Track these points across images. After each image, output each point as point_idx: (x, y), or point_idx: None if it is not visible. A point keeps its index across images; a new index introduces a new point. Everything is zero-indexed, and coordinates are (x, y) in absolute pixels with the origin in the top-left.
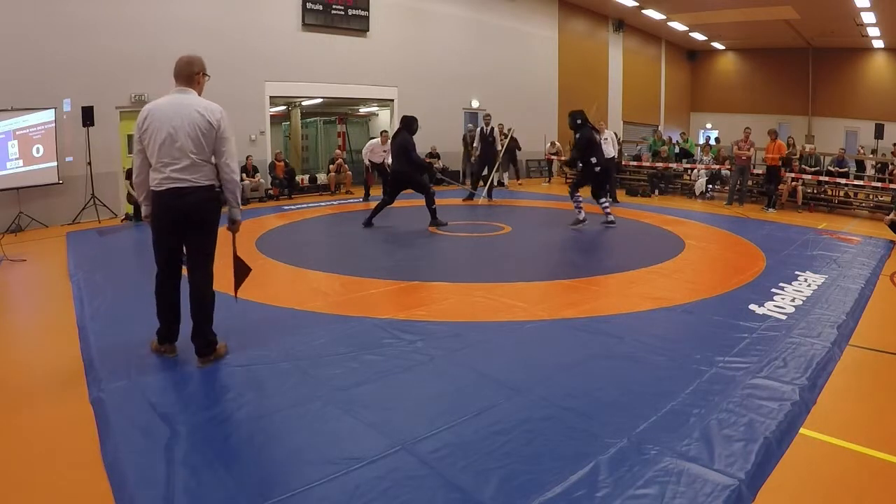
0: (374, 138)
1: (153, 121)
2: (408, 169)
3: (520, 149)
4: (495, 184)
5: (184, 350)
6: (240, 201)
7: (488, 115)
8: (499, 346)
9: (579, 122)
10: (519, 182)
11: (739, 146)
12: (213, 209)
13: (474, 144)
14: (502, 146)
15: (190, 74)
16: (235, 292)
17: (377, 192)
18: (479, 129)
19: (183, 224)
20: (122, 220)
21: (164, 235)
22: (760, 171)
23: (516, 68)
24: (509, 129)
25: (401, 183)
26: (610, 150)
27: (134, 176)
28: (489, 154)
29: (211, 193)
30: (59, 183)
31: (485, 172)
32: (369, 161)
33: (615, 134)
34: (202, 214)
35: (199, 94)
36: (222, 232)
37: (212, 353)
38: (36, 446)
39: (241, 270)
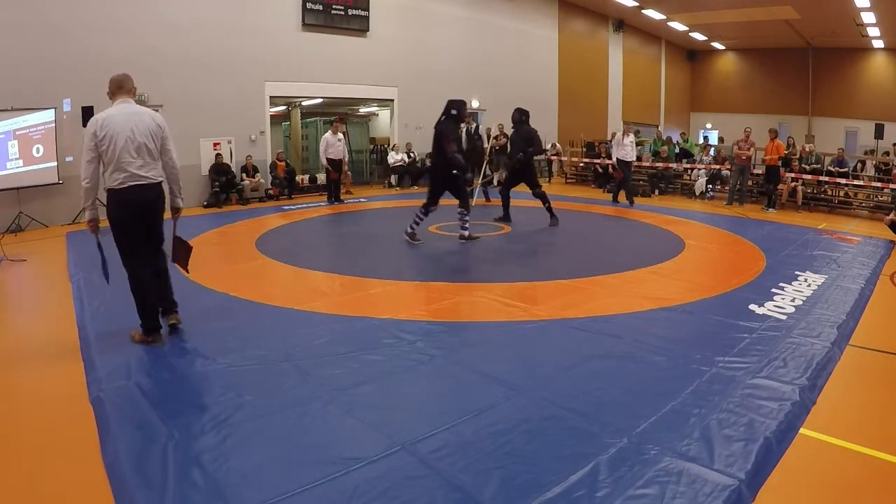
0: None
1: (111, 127)
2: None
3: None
4: (494, 184)
5: (185, 350)
6: (179, 187)
7: (472, 113)
8: (499, 346)
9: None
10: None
11: (740, 146)
12: (163, 201)
13: (462, 146)
14: (498, 146)
15: (131, 88)
16: (186, 270)
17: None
18: (464, 129)
19: (143, 215)
20: None
21: (131, 228)
22: (760, 172)
23: (516, 68)
24: (500, 127)
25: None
26: (631, 153)
27: (86, 182)
28: (475, 153)
29: (161, 188)
30: (59, 183)
31: (487, 173)
32: (328, 158)
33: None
34: (158, 206)
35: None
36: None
37: (173, 322)
38: (36, 447)
39: (183, 249)
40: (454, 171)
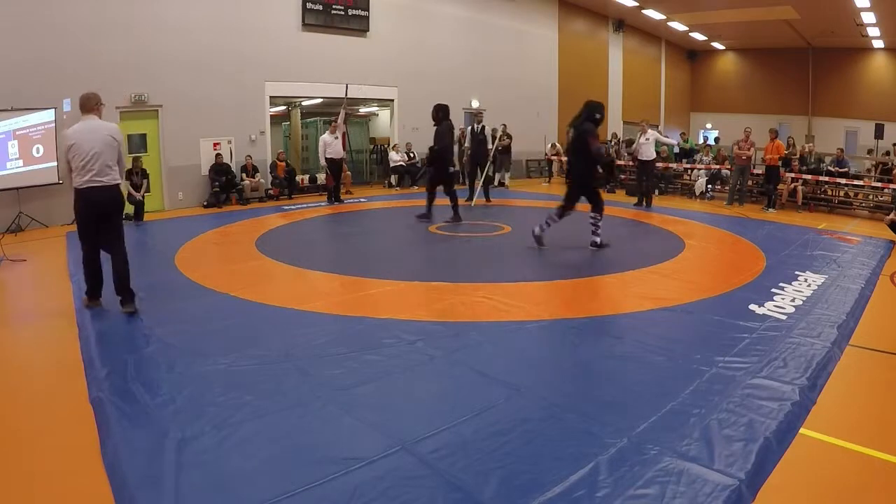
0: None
1: (76, 140)
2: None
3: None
4: (495, 184)
5: (185, 350)
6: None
7: (479, 113)
8: (499, 346)
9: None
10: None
11: (740, 146)
12: (119, 201)
13: (465, 144)
14: (501, 146)
15: (91, 107)
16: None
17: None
18: (469, 127)
19: (99, 211)
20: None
21: (86, 219)
22: (760, 172)
23: (516, 68)
24: (503, 127)
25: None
26: (651, 151)
27: (60, 177)
28: (480, 153)
29: (116, 190)
30: (59, 183)
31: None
32: (327, 158)
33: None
34: (112, 205)
35: (100, 118)
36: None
37: (133, 301)
38: (36, 447)
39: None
40: (605, 168)
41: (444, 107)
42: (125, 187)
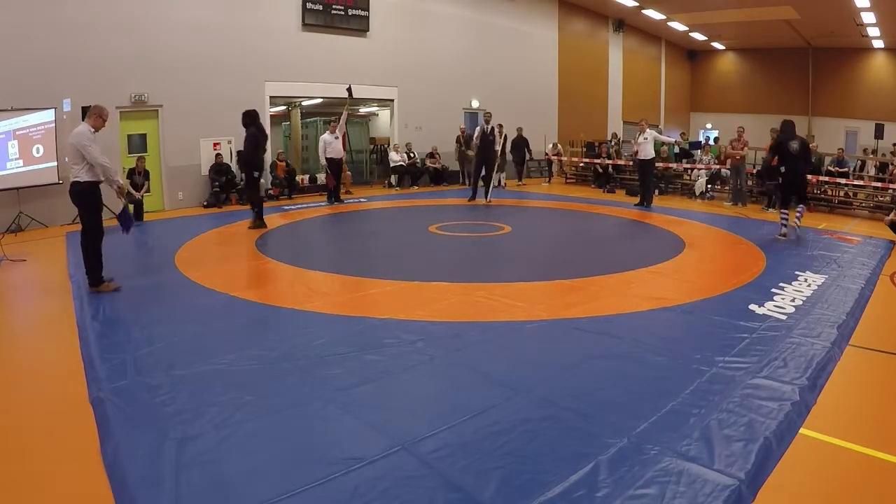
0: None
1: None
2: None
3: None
4: (495, 185)
5: (185, 350)
6: (110, 177)
7: (489, 113)
8: (499, 346)
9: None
10: (520, 183)
11: (733, 146)
12: (80, 195)
13: (474, 142)
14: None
15: (88, 116)
16: (129, 231)
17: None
18: (478, 127)
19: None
20: None
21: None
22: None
23: (516, 68)
24: (499, 127)
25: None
26: (650, 150)
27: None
28: (489, 154)
29: (77, 186)
30: (58, 183)
31: (484, 173)
32: (327, 158)
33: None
34: (75, 197)
35: (96, 127)
36: None
37: (98, 285)
38: (36, 447)
39: (127, 219)
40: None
41: (250, 112)
42: (125, 186)
